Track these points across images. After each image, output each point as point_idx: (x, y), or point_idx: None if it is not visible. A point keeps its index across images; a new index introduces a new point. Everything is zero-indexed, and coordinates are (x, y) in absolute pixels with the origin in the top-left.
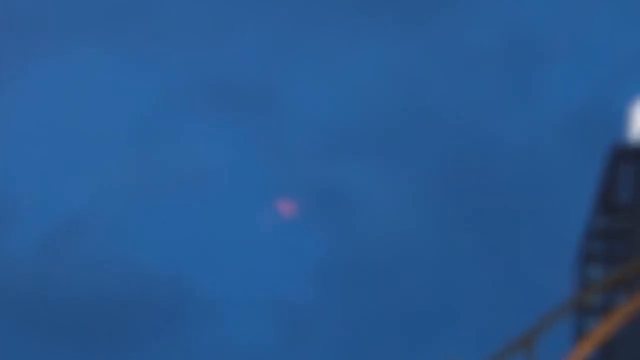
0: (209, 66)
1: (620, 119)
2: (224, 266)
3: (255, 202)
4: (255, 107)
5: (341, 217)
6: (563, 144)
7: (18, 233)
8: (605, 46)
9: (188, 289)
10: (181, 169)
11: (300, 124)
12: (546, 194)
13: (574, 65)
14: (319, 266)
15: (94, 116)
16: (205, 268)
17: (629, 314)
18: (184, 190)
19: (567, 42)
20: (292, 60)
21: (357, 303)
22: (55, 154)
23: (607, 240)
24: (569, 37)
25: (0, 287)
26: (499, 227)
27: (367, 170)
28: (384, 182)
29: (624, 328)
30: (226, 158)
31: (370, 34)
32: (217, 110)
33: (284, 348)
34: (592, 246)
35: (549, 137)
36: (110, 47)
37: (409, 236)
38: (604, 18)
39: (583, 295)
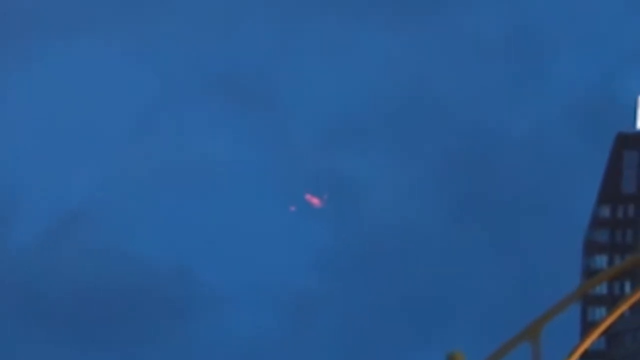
0: (211, 59)
1: (625, 108)
2: (228, 257)
3: (259, 192)
4: (258, 99)
5: (345, 207)
6: (568, 134)
7: (21, 225)
8: (609, 35)
9: (192, 280)
10: (184, 161)
11: (303, 116)
12: (551, 184)
13: (578, 54)
14: (323, 255)
15: (96, 108)
16: (209, 259)
17: (634, 303)
18: (186, 182)
19: (571, 31)
20: (294, 53)
21: (361, 292)
22: (58, 147)
23: (611, 230)
24: (573, 27)
25: (4, 278)
26: (504, 217)
27: (370, 160)
28: (387, 172)
29: (628, 317)
30: (229, 149)
31: (373, 27)
32: (219, 102)
33: (289, 337)
34: (597, 236)
35: (554, 127)
36: (112, 39)
37: (412, 225)
38: (608, 7)
39: (588, 285)
